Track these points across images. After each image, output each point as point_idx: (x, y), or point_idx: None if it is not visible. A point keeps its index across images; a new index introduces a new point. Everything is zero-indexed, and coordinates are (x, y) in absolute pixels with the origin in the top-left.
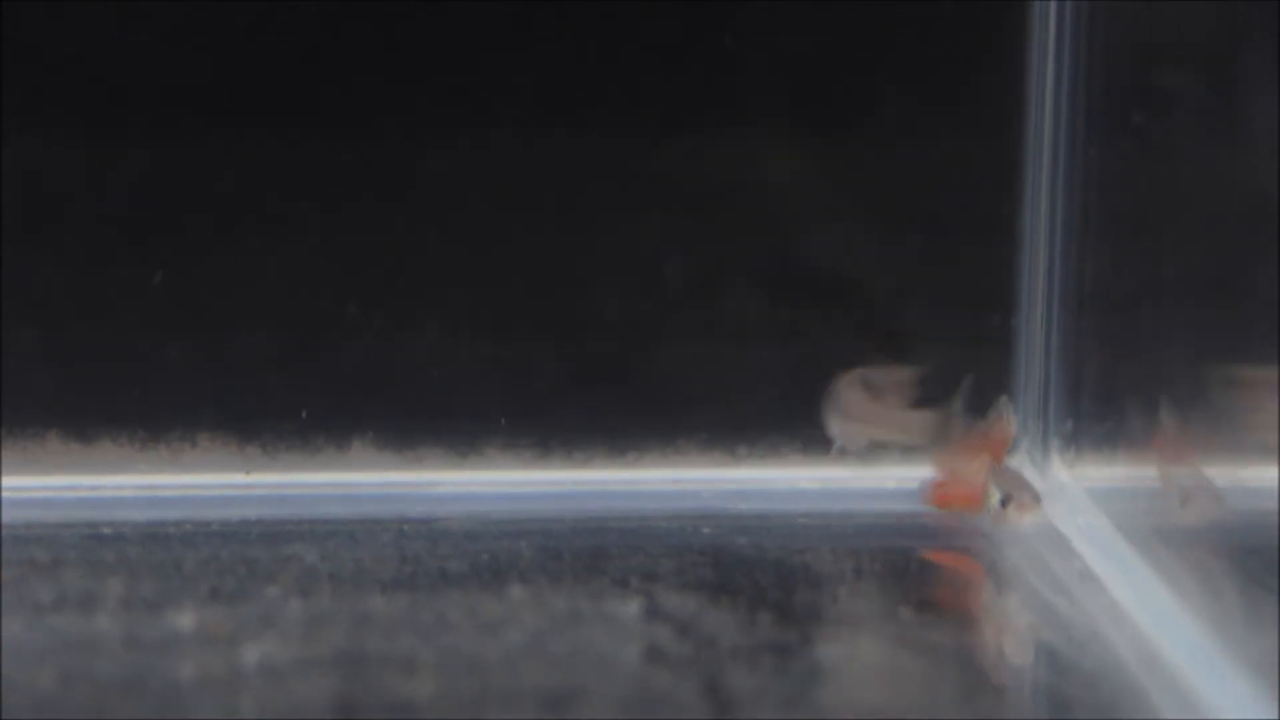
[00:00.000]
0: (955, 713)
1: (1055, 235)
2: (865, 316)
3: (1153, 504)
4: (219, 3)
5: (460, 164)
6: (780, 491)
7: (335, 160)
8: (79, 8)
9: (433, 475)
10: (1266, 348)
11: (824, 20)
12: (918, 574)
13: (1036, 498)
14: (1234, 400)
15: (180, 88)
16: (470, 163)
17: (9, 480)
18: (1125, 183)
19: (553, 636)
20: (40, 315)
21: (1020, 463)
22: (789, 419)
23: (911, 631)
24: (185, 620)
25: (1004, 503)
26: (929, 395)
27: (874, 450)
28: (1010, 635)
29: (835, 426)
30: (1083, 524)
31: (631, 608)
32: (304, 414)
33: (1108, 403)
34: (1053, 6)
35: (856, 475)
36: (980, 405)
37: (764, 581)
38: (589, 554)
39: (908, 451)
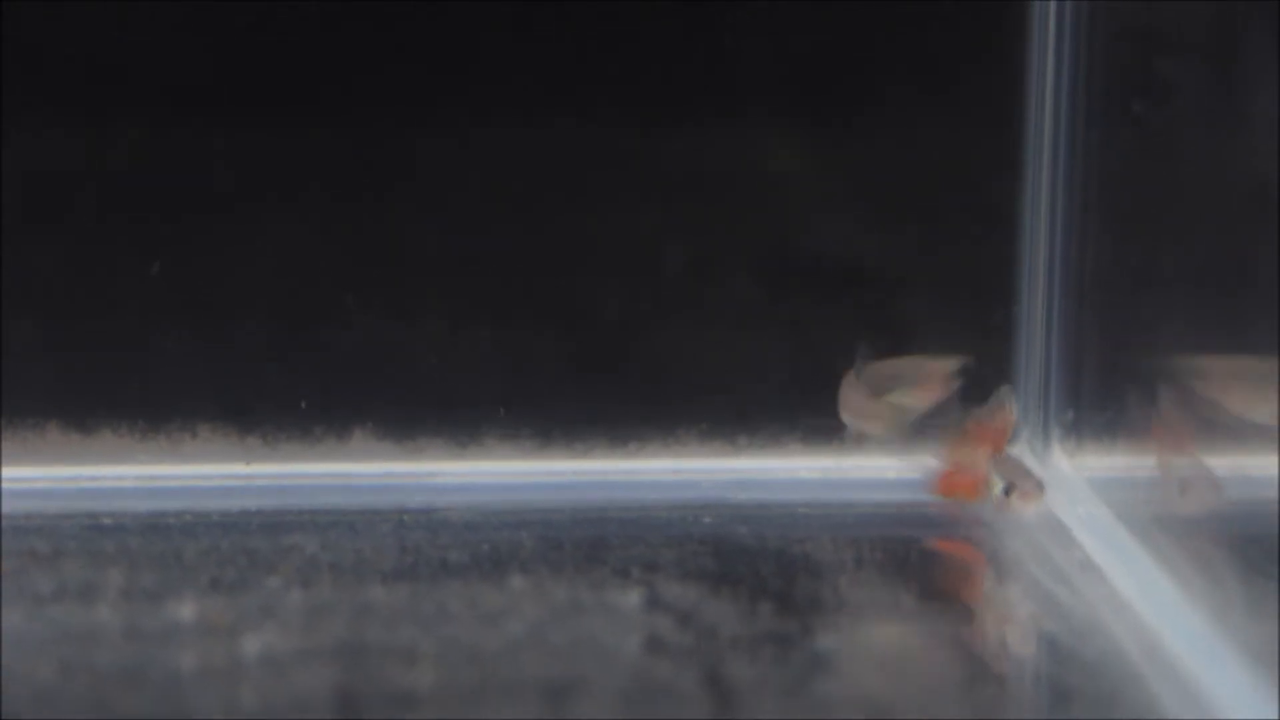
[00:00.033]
0: (956, 702)
1: (1056, 225)
2: (866, 307)
3: (1153, 493)
4: None
5: (461, 153)
6: (781, 481)
7: (334, 150)
8: None
9: (433, 465)
10: (1267, 337)
11: (825, 10)
12: (918, 564)
13: (1040, 486)
14: (1196, 390)
15: (180, 78)
16: (471, 152)
17: (9, 471)
18: (1126, 172)
19: (553, 627)
20: (40, 306)
21: (1021, 452)
22: (789, 409)
23: (912, 621)
24: (186, 610)
25: (1007, 491)
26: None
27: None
28: (1011, 625)
29: (852, 415)
30: (1083, 513)
31: (632, 598)
32: (303, 404)
33: (1108, 392)
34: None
35: (857, 465)
36: (982, 394)
37: (765, 571)
38: (589, 544)
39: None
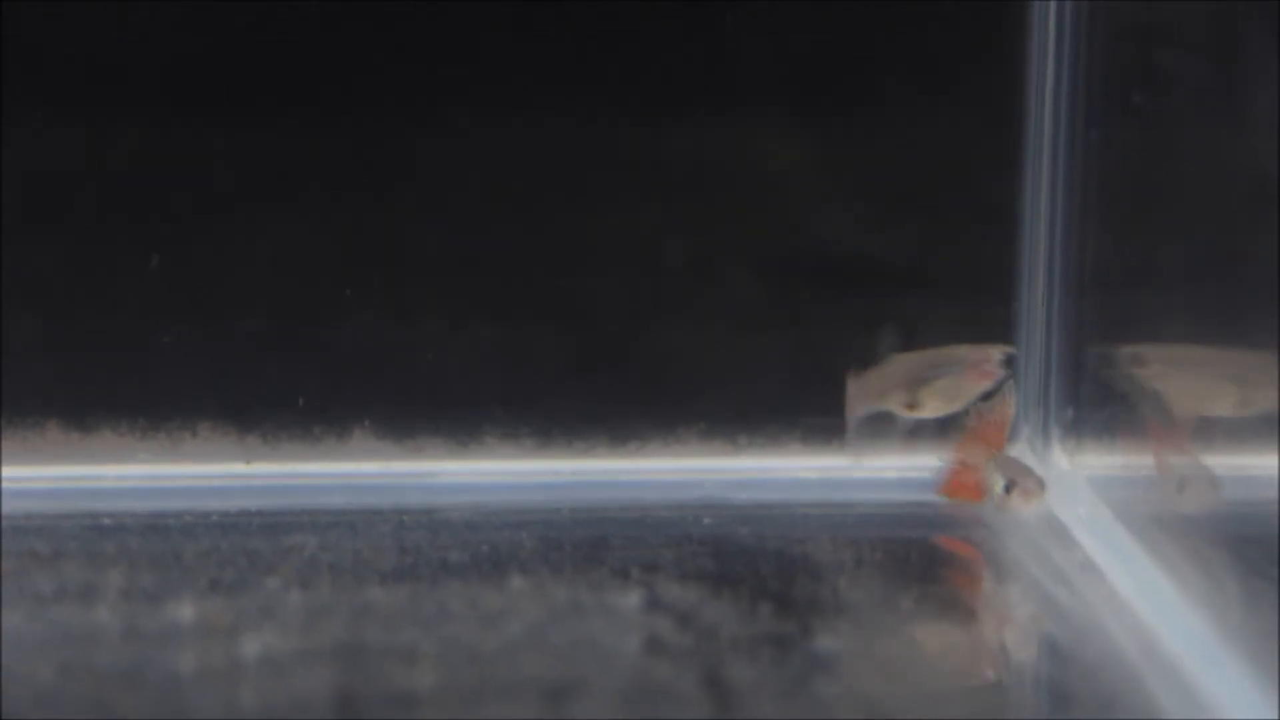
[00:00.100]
0: (956, 703)
1: (1056, 223)
2: (866, 305)
3: (1153, 492)
4: None
5: (460, 150)
6: (781, 481)
7: (334, 149)
8: None
9: (433, 465)
10: (1266, 330)
11: (825, 10)
12: (918, 564)
13: (1041, 484)
14: (1140, 379)
15: (180, 78)
16: (470, 148)
17: (8, 470)
18: (1125, 167)
19: (553, 627)
20: (40, 305)
21: (1021, 451)
22: (790, 408)
23: (912, 622)
24: (185, 611)
25: (1008, 489)
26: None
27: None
28: (1010, 625)
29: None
30: (1083, 513)
31: (632, 598)
32: (301, 401)
33: (1108, 390)
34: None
35: (858, 465)
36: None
37: (765, 571)
38: (589, 544)
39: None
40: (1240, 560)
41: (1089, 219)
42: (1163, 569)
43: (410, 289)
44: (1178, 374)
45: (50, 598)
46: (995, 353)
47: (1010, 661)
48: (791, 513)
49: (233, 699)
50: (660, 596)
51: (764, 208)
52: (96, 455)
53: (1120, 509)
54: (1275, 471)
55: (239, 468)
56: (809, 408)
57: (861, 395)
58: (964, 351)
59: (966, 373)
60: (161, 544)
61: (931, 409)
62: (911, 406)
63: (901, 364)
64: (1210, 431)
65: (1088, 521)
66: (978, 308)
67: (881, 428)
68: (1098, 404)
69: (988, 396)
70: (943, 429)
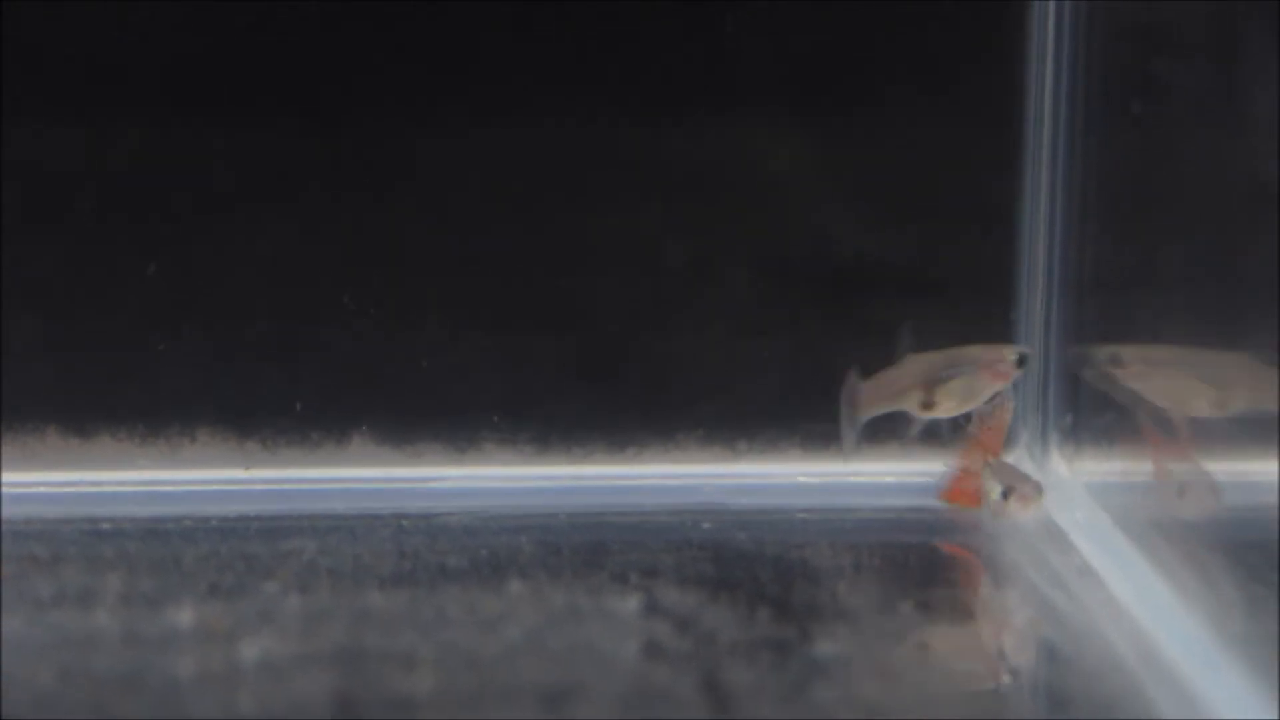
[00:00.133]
0: (954, 708)
1: (1055, 226)
2: (865, 309)
3: (1152, 498)
4: None
5: (458, 153)
6: (780, 486)
7: (334, 150)
8: None
9: (432, 470)
10: (1266, 334)
11: (825, 10)
12: (917, 569)
13: (1038, 489)
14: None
15: (180, 78)
16: (469, 152)
17: (8, 476)
18: (1124, 171)
19: (552, 632)
20: (39, 309)
21: (1019, 457)
22: (788, 413)
23: (910, 627)
24: (184, 615)
25: (1005, 495)
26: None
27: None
28: (1009, 630)
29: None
30: (1081, 519)
31: (631, 603)
32: (299, 406)
33: (1107, 396)
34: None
35: (856, 470)
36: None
37: (764, 576)
38: (588, 549)
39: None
40: (1239, 565)
41: (1088, 222)
42: (1161, 574)
43: (409, 292)
44: (1156, 374)
45: (50, 602)
46: (1010, 352)
47: (1009, 666)
48: (790, 518)
49: (232, 703)
50: (659, 601)
51: (763, 209)
52: (96, 460)
53: (1119, 515)
54: (1274, 477)
55: (238, 473)
56: (808, 412)
57: (875, 396)
58: (978, 351)
59: (981, 372)
60: (161, 549)
61: (946, 409)
62: (927, 406)
63: (916, 364)
64: (1209, 437)
65: (1086, 527)
66: (977, 311)
67: (892, 428)
68: (1096, 410)
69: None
70: (957, 430)
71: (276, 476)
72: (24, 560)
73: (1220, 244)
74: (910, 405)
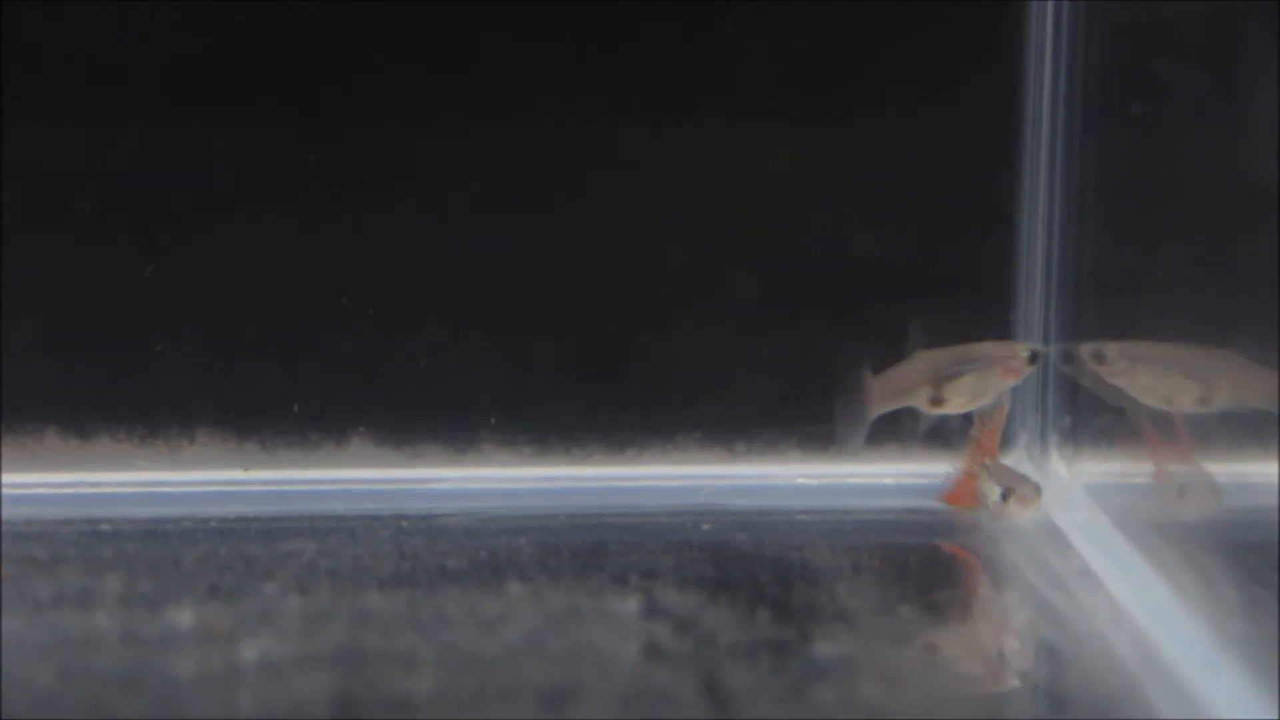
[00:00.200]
0: (953, 710)
1: (1054, 226)
2: (864, 309)
3: (1152, 499)
4: None
5: (458, 153)
6: (779, 488)
7: (333, 150)
8: None
9: (431, 471)
10: (1265, 335)
11: (825, 10)
12: (917, 570)
13: (1037, 490)
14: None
15: (179, 74)
16: (469, 152)
17: (7, 477)
18: (1124, 174)
19: (551, 633)
20: (38, 310)
21: (1019, 458)
22: (788, 415)
23: (910, 628)
24: (184, 616)
25: (1004, 496)
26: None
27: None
28: (1008, 632)
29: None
30: (1081, 520)
31: (630, 604)
32: (296, 408)
33: (1101, 395)
34: (1051, 1)
35: (855, 471)
36: None
37: (763, 578)
38: (588, 550)
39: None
40: (1239, 567)
41: (1087, 222)
42: (1161, 576)
43: (409, 293)
44: (1140, 370)
45: (49, 603)
46: (1022, 349)
47: (1008, 668)
48: (790, 519)
49: (231, 704)
50: (659, 602)
51: (763, 209)
52: (95, 462)
53: (1118, 516)
54: (1274, 478)
55: (237, 474)
56: (807, 414)
57: (883, 392)
58: (989, 347)
59: (992, 369)
60: (160, 550)
61: (956, 405)
62: (936, 403)
63: (925, 360)
64: (1208, 438)
65: (1085, 528)
66: (976, 311)
67: (893, 430)
68: (1095, 411)
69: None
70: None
71: (276, 478)
72: (23, 561)
73: (1220, 244)
74: (919, 402)
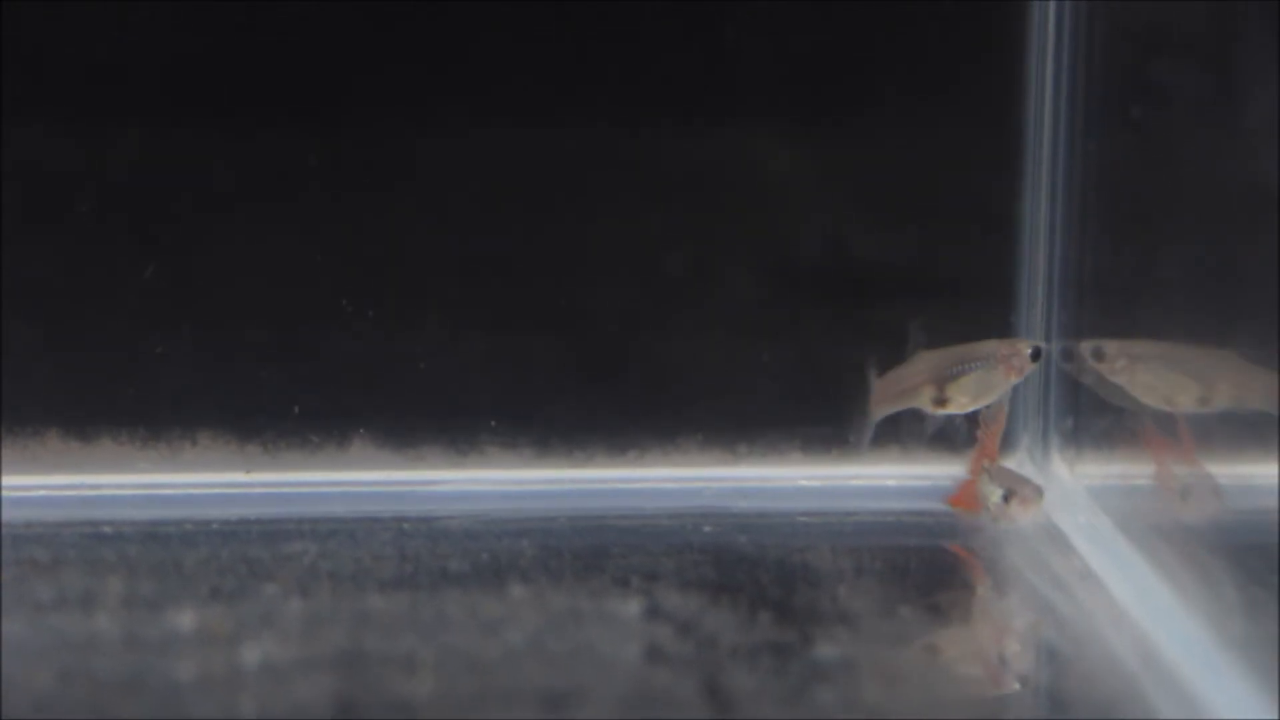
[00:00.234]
0: (955, 711)
1: (1055, 228)
2: (865, 310)
3: (1154, 501)
4: None
5: (458, 156)
6: (781, 490)
7: (333, 151)
8: None
9: (432, 473)
10: (1265, 336)
11: (824, 13)
12: (918, 572)
13: (1039, 492)
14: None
15: (179, 76)
16: (469, 155)
17: (8, 479)
18: (1124, 175)
19: (553, 635)
20: (39, 311)
21: (1020, 460)
22: (789, 416)
23: (911, 630)
24: (185, 619)
25: (1006, 498)
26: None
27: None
28: (1010, 633)
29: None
30: (1083, 522)
31: (632, 606)
32: (296, 409)
33: (1107, 399)
34: (1051, 3)
35: (857, 473)
36: None
37: (765, 580)
38: (589, 552)
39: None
40: (1240, 568)
41: (1089, 223)
42: (1162, 577)
43: (409, 294)
44: (1139, 369)
45: (50, 606)
46: (1025, 346)
47: (1010, 669)
48: (791, 521)
49: (232, 707)
50: (660, 604)
51: (763, 210)
52: (96, 464)
53: (1120, 518)
54: (1275, 480)
55: (239, 476)
56: (809, 416)
57: (886, 393)
58: (993, 346)
59: (995, 367)
60: (161, 552)
61: (960, 404)
62: (940, 403)
63: (928, 360)
64: (1210, 439)
65: (1087, 530)
66: (976, 313)
67: (894, 432)
68: (1097, 413)
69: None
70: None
71: (277, 480)
72: (24, 563)
73: (1221, 246)
74: (922, 402)
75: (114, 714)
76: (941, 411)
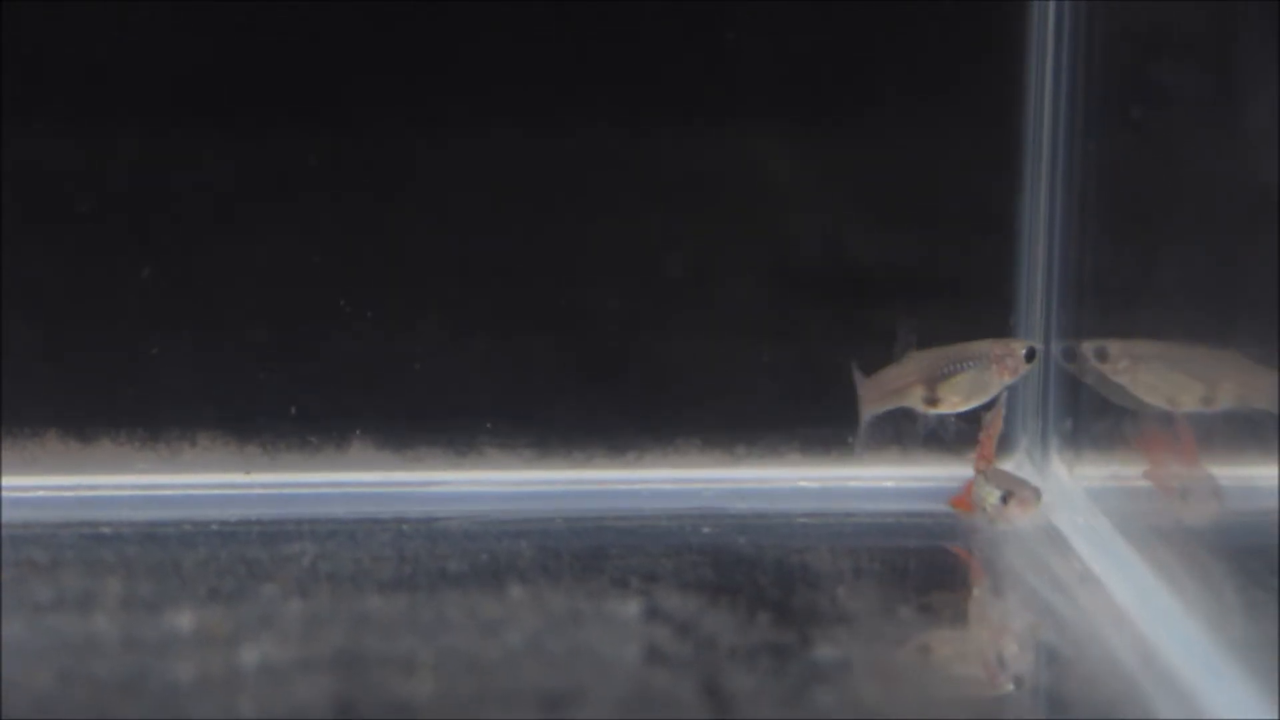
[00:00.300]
0: (954, 713)
1: (1054, 230)
2: (864, 312)
3: (1153, 503)
4: None
5: (458, 158)
6: (780, 491)
7: (333, 152)
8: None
9: (432, 475)
10: (1265, 341)
11: (824, 15)
12: (917, 573)
13: (1037, 493)
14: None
15: (179, 78)
16: (469, 157)
17: (7, 480)
18: (1124, 176)
19: (552, 636)
20: (38, 312)
21: (1020, 462)
22: (788, 418)
23: (910, 631)
24: (184, 620)
25: (1005, 499)
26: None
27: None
28: (1009, 635)
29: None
30: (1082, 523)
31: (631, 607)
32: (293, 410)
33: (1107, 401)
34: (1051, 3)
35: (856, 474)
36: None
37: (763, 581)
38: (588, 553)
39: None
40: (1240, 570)
41: (1089, 224)
42: (1162, 579)
43: (409, 295)
44: (1142, 369)
45: (49, 607)
46: (1019, 346)
47: (1009, 671)
48: (790, 522)
49: (231, 708)
50: (659, 606)
51: (762, 211)
52: (95, 464)
53: (1119, 519)
54: (1275, 481)
55: (238, 477)
56: (808, 417)
57: (877, 393)
58: (987, 346)
59: (990, 367)
60: (160, 553)
61: (952, 404)
62: (932, 403)
63: (920, 360)
64: (1210, 440)
65: (1086, 532)
66: (976, 314)
67: (893, 433)
68: (1096, 414)
69: (991, 404)
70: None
71: (276, 481)
72: (23, 564)
73: (1221, 247)
74: (913, 402)
75: (113, 714)
76: (933, 411)
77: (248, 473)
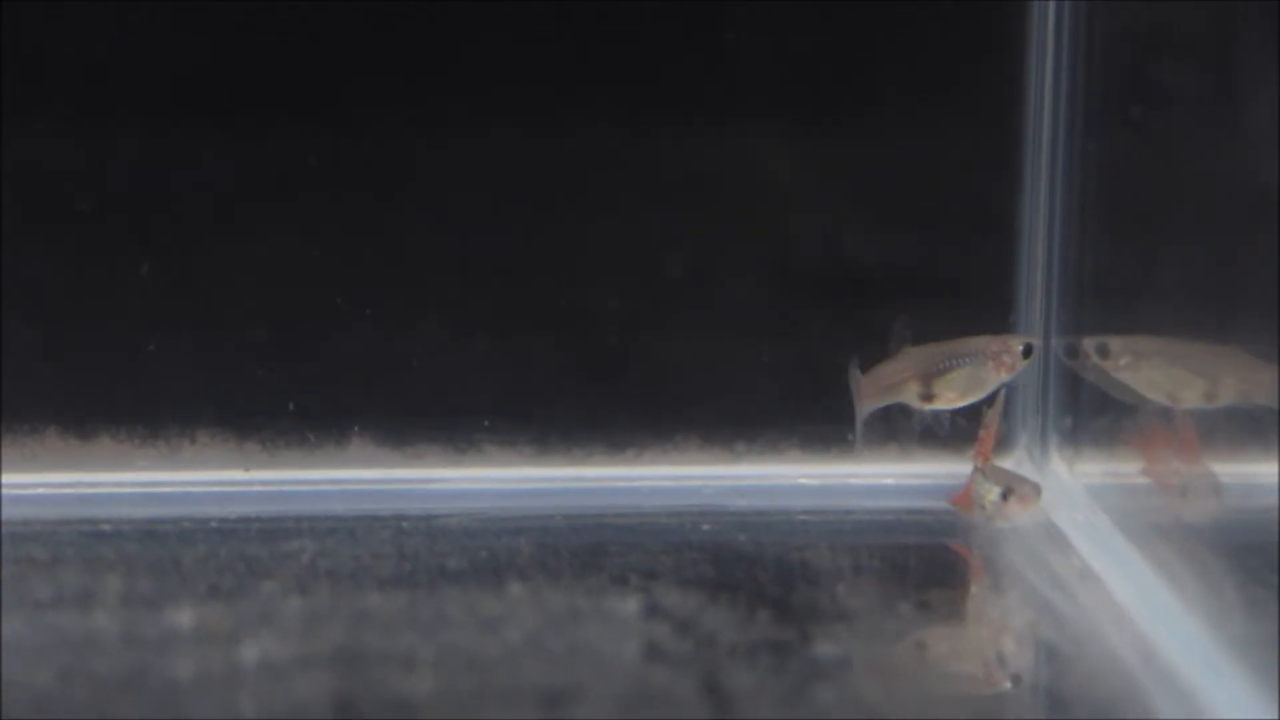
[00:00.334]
0: (953, 710)
1: (1054, 229)
2: (864, 310)
3: (1153, 500)
4: None
5: (458, 157)
6: (779, 488)
7: (332, 152)
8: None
9: (431, 472)
10: (1265, 341)
11: (824, 15)
12: (917, 571)
13: (1037, 489)
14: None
15: (179, 78)
16: (468, 156)
17: (7, 477)
18: (1124, 176)
19: (551, 633)
20: (38, 311)
21: (1019, 459)
22: (788, 416)
23: (910, 628)
24: (184, 617)
25: (1005, 496)
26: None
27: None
28: (1009, 632)
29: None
30: (1082, 521)
31: (630, 604)
32: (291, 407)
33: (1107, 398)
34: (1051, 3)
35: (856, 472)
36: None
37: (763, 578)
38: (588, 551)
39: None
40: (1240, 567)
41: (1088, 224)
42: (1162, 576)
43: (409, 294)
44: (1144, 365)
45: (49, 604)
46: (1016, 342)
47: (1008, 668)
48: (790, 519)
49: (231, 705)
50: (659, 603)
51: (762, 211)
52: (95, 462)
53: (1119, 517)
54: (1275, 478)
55: (238, 474)
56: (807, 415)
57: (873, 388)
58: (983, 342)
59: (986, 363)
60: (160, 550)
61: (948, 400)
62: (927, 399)
63: (916, 355)
64: (1210, 437)
65: (1086, 529)
66: (976, 313)
67: (893, 431)
68: (1096, 412)
69: (992, 399)
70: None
71: (276, 478)
72: (23, 561)
73: (1221, 247)
74: (909, 398)
75: (113, 712)
76: (929, 407)
77: (247, 470)
